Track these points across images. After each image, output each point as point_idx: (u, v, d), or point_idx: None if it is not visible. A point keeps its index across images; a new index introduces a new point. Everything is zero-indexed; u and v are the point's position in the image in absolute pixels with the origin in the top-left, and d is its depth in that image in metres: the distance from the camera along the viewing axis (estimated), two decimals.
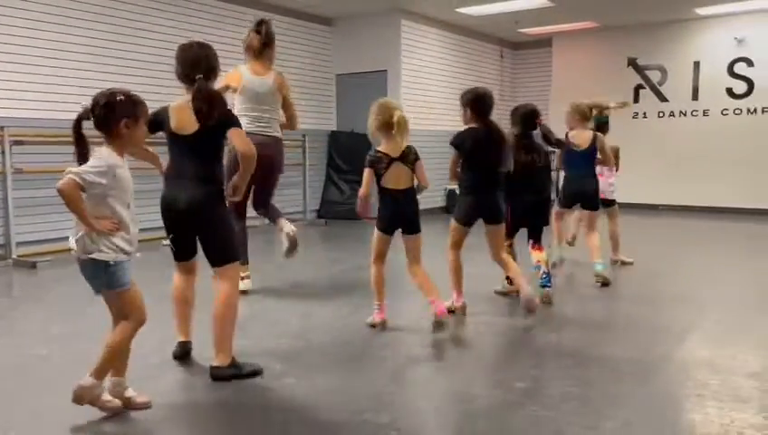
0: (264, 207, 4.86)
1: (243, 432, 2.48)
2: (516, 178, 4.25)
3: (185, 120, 2.93)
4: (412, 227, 3.79)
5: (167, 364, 3.17)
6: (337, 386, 2.92)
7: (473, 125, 4.05)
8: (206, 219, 2.98)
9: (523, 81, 12.13)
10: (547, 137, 4.49)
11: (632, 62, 10.88)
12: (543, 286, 4.44)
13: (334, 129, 9.90)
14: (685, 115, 10.54)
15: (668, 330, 3.93)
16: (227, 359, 2.96)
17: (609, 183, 5.75)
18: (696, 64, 10.37)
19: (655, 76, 10.75)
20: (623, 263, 5.83)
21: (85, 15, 6.75)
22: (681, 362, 3.28)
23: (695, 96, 10.44)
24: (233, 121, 3.03)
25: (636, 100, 10.89)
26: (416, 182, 3.80)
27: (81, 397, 2.49)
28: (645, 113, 10.85)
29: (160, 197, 3.02)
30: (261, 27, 4.63)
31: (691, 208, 10.19)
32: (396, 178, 3.71)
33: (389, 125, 3.64)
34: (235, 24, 8.26)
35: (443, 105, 10.33)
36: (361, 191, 3.74)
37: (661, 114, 10.74)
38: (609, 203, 5.80)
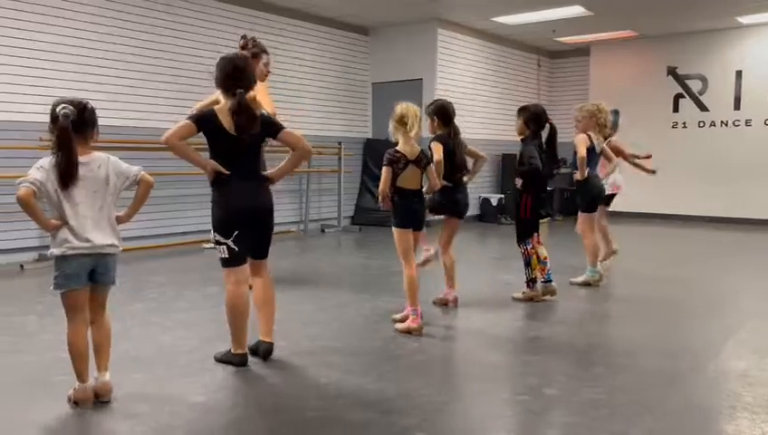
0: None
1: (278, 431, 2.57)
2: (537, 176, 4.60)
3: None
4: (420, 225, 4.02)
5: (204, 363, 3.28)
6: (368, 386, 2.99)
7: (440, 132, 4.33)
8: (272, 217, 3.28)
9: (560, 90, 12.08)
10: (554, 137, 4.74)
11: (672, 72, 10.75)
12: (549, 281, 4.73)
13: (369, 136, 10.02)
14: (726, 125, 10.35)
15: (703, 339, 3.90)
16: None
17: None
18: (739, 74, 10.18)
19: (695, 85, 10.59)
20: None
21: (115, 23, 6.96)
22: (714, 373, 3.26)
23: (737, 106, 10.25)
24: (280, 124, 3.26)
25: (675, 109, 10.75)
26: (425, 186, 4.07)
27: (109, 391, 2.70)
28: (685, 123, 10.69)
29: (228, 198, 3.11)
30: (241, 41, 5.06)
31: (731, 220, 9.99)
32: (411, 179, 3.91)
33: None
34: (275, 34, 8.46)
35: (478, 114, 10.36)
36: (381, 188, 3.89)
37: (702, 124, 10.57)
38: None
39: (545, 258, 4.71)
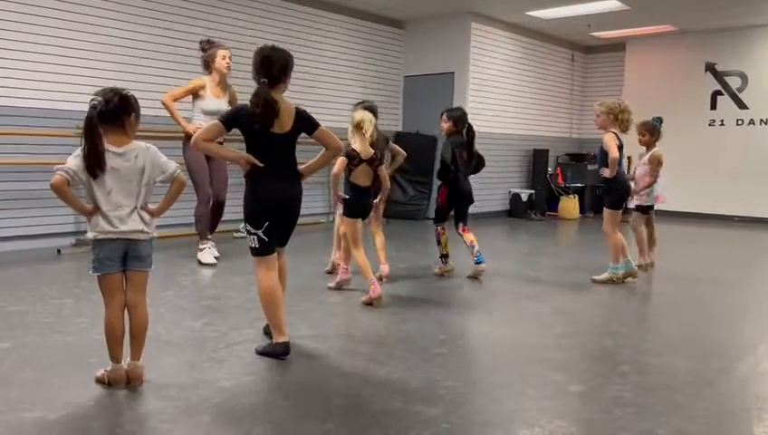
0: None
1: (303, 417, 2.61)
2: (451, 170, 5.18)
3: (282, 121, 3.13)
4: (366, 216, 4.68)
5: (232, 349, 3.35)
6: (392, 376, 3.02)
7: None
8: (299, 209, 3.34)
9: (593, 85, 11.91)
10: (472, 138, 5.29)
11: (710, 68, 10.51)
12: (478, 263, 5.22)
13: (400, 129, 10.02)
14: (766, 123, 10.09)
15: (733, 342, 3.84)
16: None
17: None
18: None
19: (734, 82, 10.34)
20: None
21: (155, 14, 7.04)
22: (743, 375, 3.21)
23: None
24: (317, 122, 3.28)
25: (713, 107, 10.52)
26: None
27: (140, 376, 2.80)
28: (722, 121, 10.46)
29: (260, 190, 3.17)
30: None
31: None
32: (362, 176, 4.46)
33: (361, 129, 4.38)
34: (311, 26, 8.50)
35: (510, 108, 10.28)
36: (335, 172, 4.40)
37: (740, 122, 10.32)
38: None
39: (471, 242, 5.23)
